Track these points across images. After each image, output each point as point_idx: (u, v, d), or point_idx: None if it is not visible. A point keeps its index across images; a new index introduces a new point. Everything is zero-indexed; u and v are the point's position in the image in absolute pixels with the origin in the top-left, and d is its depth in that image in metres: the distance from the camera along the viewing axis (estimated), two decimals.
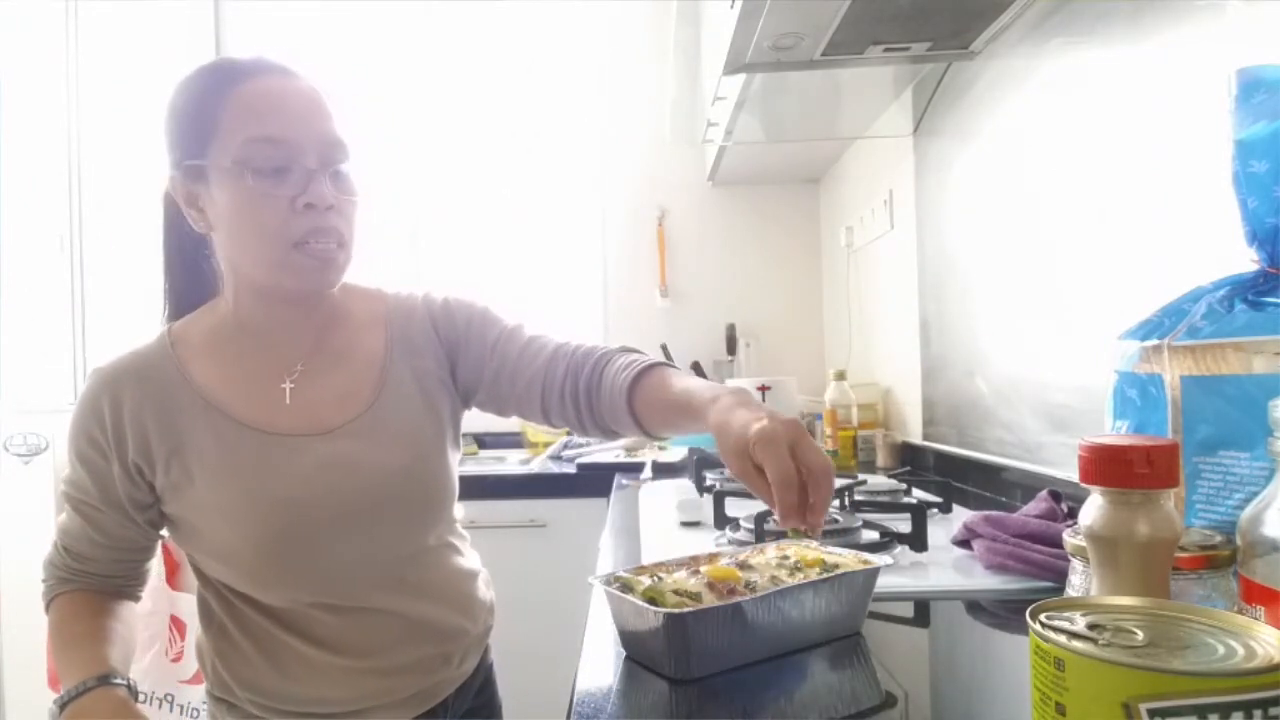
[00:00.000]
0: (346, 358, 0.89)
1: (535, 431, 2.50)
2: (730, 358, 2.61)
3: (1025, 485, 1.29)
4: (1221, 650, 0.36)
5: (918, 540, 1.01)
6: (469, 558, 1.00)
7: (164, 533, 0.91)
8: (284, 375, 0.86)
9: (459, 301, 0.97)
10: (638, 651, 0.70)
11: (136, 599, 0.94)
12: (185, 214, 0.84)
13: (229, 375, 0.85)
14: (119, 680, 0.81)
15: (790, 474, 0.63)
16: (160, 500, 0.84)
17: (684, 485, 1.47)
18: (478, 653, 0.99)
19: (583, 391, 0.87)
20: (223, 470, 0.82)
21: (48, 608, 0.89)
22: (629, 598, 0.68)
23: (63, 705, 0.79)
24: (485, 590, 1.01)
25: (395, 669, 0.87)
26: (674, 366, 0.85)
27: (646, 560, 0.92)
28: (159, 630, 1.94)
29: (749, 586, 0.69)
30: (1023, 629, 0.40)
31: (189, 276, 0.93)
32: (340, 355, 0.89)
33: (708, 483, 1.53)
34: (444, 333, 0.94)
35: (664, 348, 2.56)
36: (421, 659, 0.89)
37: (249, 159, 0.77)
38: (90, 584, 0.89)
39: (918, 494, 1.37)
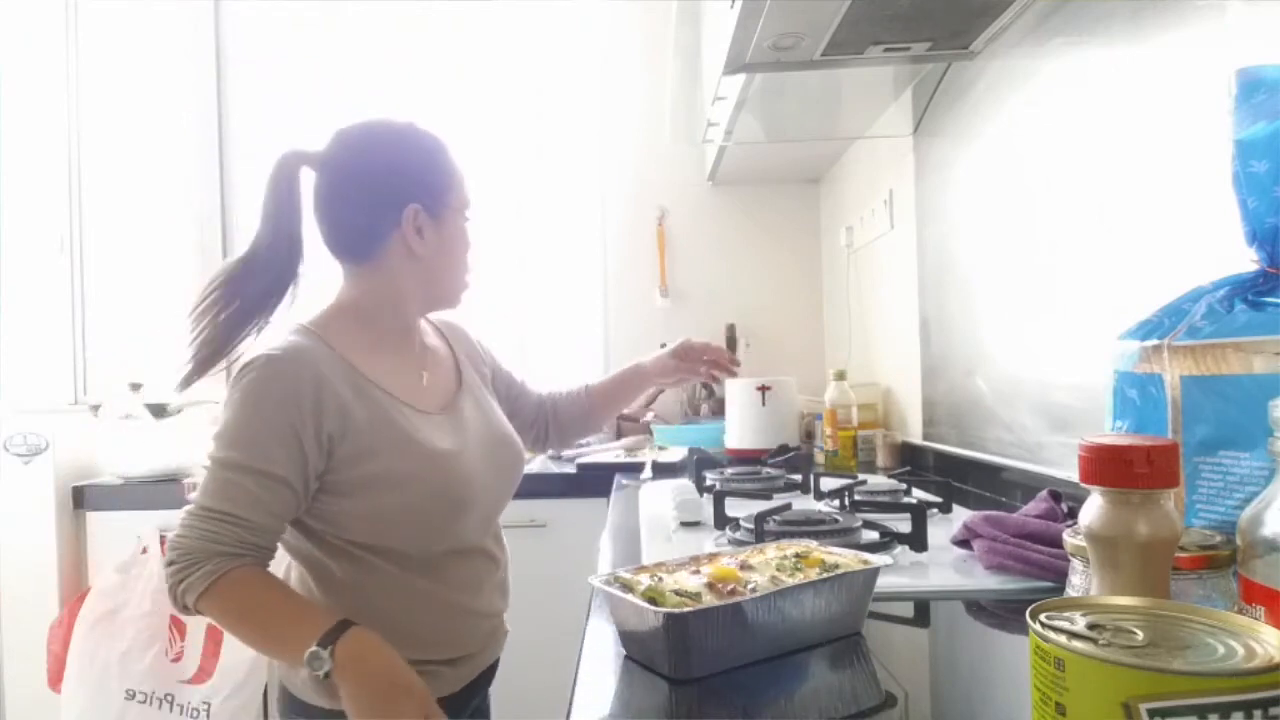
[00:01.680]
0: (435, 355, 1.12)
1: None
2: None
3: (1025, 485, 1.29)
4: (1221, 650, 0.36)
5: (918, 540, 1.01)
6: None
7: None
8: (415, 366, 1.06)
9: (480, 336, 1.28)
10: (638, 651, 0.70)
11: None
12: (408, 238, 1.00)
13: (381, 366, 1.00)
14: (354, 622, 0.87)
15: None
16: (337, 469, 0.93)
17: (684, 485, 1.47)
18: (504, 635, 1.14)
19: (551, 416, 1.35)
20: (399, 438, 0.96)
21: (209, 588, 0.87)
22: (629, 598, 0.68)
23: (329, 647, 0.83)
24: None
25: (488, 613, 1.06)
26: None
27: (646, 560, 0.92)
28: (159, 630, 1.94)
29: (749, 586, 0.69)
30: (1023, 629, 0.40)
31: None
32: (433, 354, 1.11)
33: (708, 483, 1.53)
34: (486, 354, 1.25)
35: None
36: (499, 611, 1.09)
37: (467, 211, 1.07)
38: (257, 557, 0.90)
39: (918, 494, 1.37)
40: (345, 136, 1.01)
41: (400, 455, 0.95)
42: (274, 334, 0.97)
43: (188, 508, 0.90)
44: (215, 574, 0.87)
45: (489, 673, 1.09)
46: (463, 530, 1.01)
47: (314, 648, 0.83)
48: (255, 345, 0.96)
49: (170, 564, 0.89)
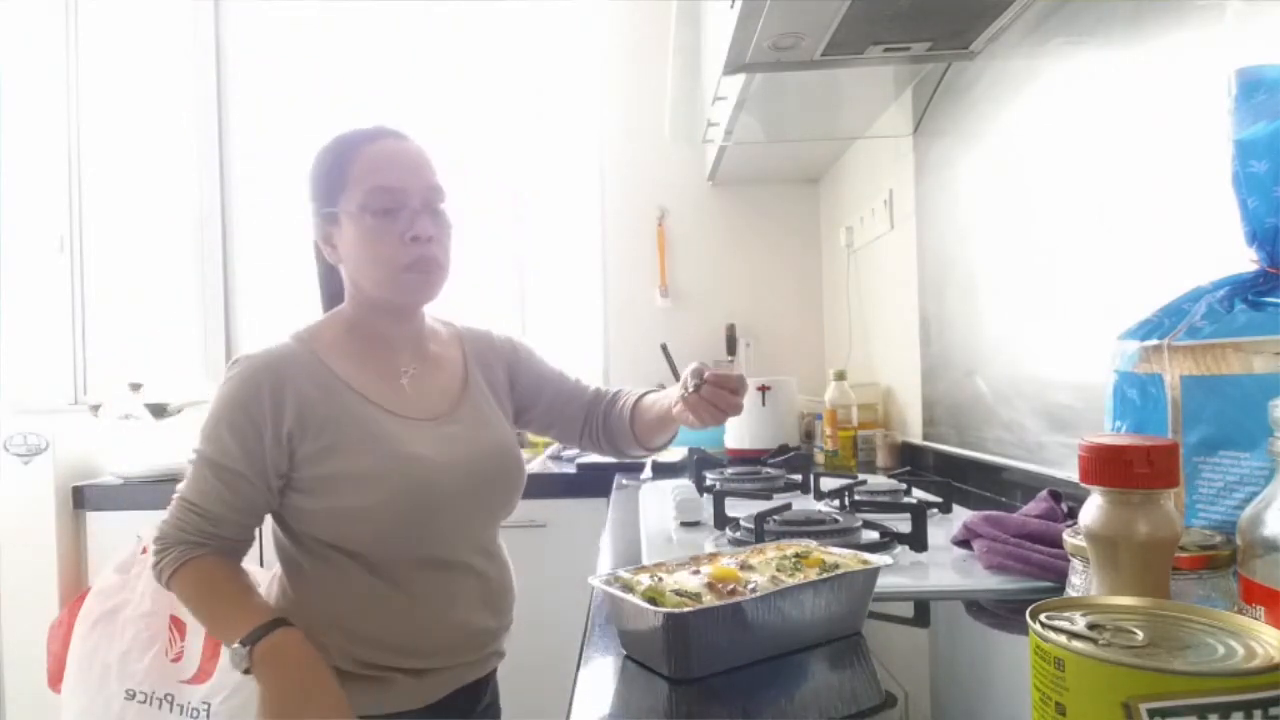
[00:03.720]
0: (439, 363, 1.11)
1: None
2: (730, 358, 2.61)
3: (1025, 485, 1.29)
4: (1221, 650, 0.36)
5: (918, 540, 1.01)
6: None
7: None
8: (399, 373, 1.06)
9: (518, 339, 1.24)
10: (638, 651, 0.70)
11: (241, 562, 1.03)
12: (322, 249, 1.05)
13: (359, 369, 1.03)
14: (289, 622, 0.92)
15: (744, 379, 1.08)
16: (300, 466, 0.96)
17: (684, 485, 1.47)
18: (504, 638, 1.11)
19: (601, 423, 1.21)
20: (367, 439, 0.98)
21: (175, 573, 0.95)
22: (629, 598, 0.68)
23: (251, 645, 0.88)
24: (514, 583, 1.14)
25: (470, 628, 1.03)
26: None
27: (646, 560, 0.92)
28: (159, 630, 1.94)
29: (749, 586, 0.69)
30: (1023, 629, 0.40)
31: (334, 291, 1.12)
32: (435, 361, 1.11)
33: (708, 483, 1.53)
34: (509, 357, 1.20)
35: (664, 348, 2.56)
36: (485, 629, 1.05)
37: (369, 204, 0.99)
38: (220, 547, 0.98)
39: (918, 494, 1.37)
40: None
41: (362, 455, 0.96)
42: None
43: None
44: (180, 560, 0.96)
45: (472, 693, 1.05)
46: (432, 541, 1.00)
47: (236, 644, 0.89)
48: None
49: (154, 543, 0.98)
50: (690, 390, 1.03)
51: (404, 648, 0.98)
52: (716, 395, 1.03)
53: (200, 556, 0.96)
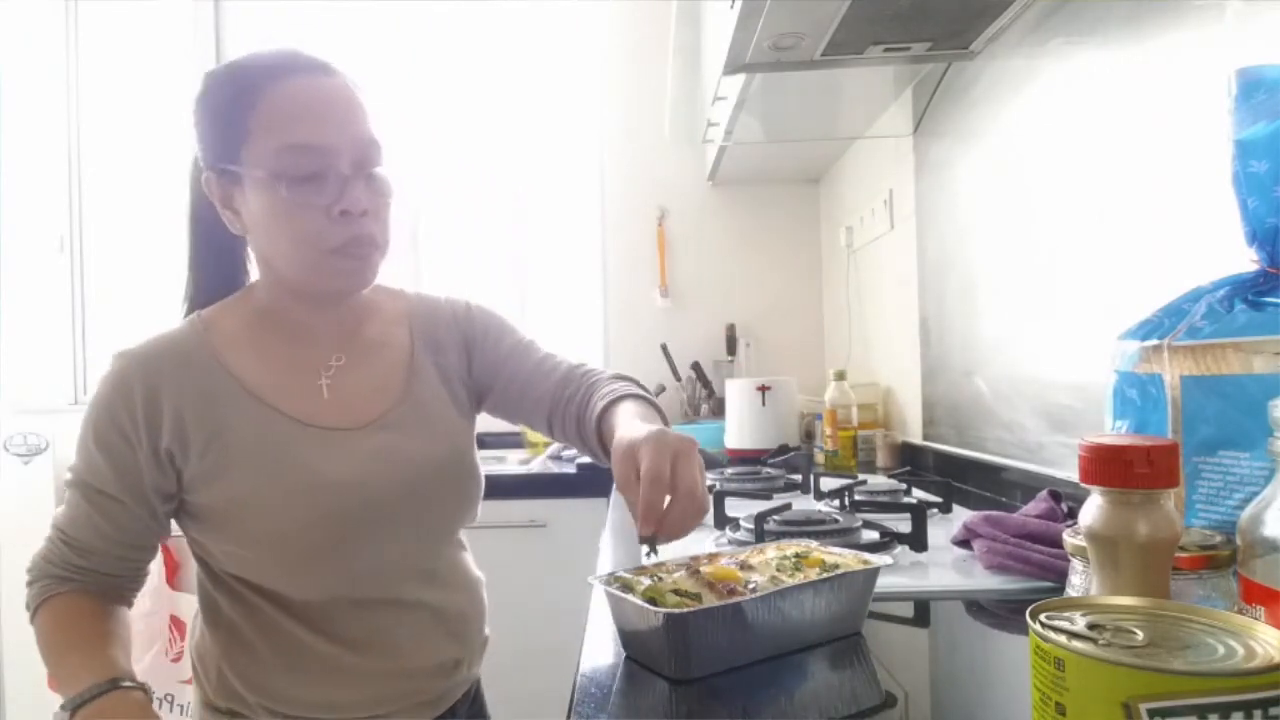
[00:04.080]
0: (377, 351, 0.90)
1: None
2: (730, 358, 2.61)
3: (1025, 485, 1.29)
4: (1221, 650, 0.36)
5: (918, 540, 1.01)
6: (473, 563, 1.01)
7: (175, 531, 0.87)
8: (320, 370, 0.86)
9: (480, 307, 0.99)
10: (638, 651, 0.70)
11: (130, 604, 0.88)
12: (221, 214, 0.82)
13: (266, 367, 0.84)
14: (131, 684, 0.76)
15: (662, 473, 0.66)
16: (188, 489, 0.81)
17: None
18: (480, 659, 0.99)
19: (574, 419, 0.90)
20: (266, 458, 0.80)
21: (38, 610, 0.81)
22: (629, 598, 0.68)
23: (73, 710, 0.74)
24: (485, 597, 1.02)
25: (416, 671, 0.87)
26: (648, 398, 0.87)
27: (646, 560, 0.92)
28: (159, 630, 1.94)
29: (749, 586, 0.69)
30: (1023, 629, 0.40)
31: (217, 267, 0.90)
32: (372, 348, 0.90)
33: (707, 483, 1.53)
34: (465, 331, 0.96)
35: (664, 348, 2.56)
36: (441, 663, 0.89)
37: (282, 169, 0.76)
38: (88, 583, 0.82)
39: (918, 494, 1.37)
40: None
41: (259, 477, 0.79)
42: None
43: None
44: (40, 597, 0.81)
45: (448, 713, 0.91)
46: (361, 578, 0.83)
47: (58, 709, 0.75)
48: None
49: (26, 574, 0.84)
50: (649, 555, 0.71)
51: (336, 702, 0.83)
52: (674, 530, 0.68)
53: (64, 594, 0.81)
